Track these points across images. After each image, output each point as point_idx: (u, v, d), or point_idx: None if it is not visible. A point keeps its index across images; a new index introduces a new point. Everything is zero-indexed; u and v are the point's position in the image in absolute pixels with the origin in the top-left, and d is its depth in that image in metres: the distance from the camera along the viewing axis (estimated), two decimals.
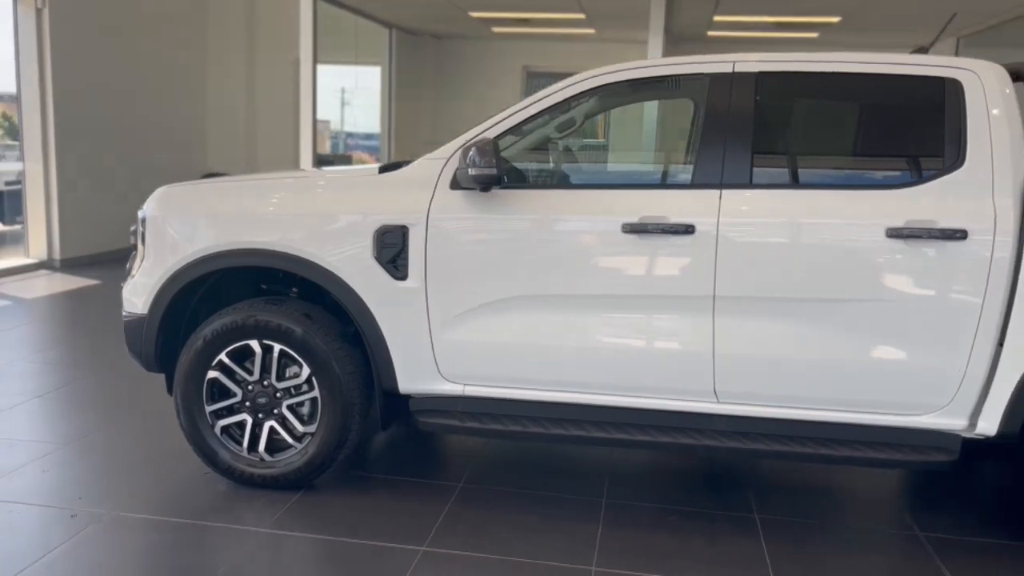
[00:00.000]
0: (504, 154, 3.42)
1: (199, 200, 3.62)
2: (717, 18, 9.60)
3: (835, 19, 9.37)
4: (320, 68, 9.21)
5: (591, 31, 11.46)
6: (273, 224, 3.47)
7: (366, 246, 3.36)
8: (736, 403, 3.27)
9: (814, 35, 10.91)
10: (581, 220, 3.28)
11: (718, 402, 3.28)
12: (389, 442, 4.22)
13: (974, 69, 3.14)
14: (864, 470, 4.01)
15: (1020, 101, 3.13)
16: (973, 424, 3.13)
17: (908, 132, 3.30)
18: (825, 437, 3.25)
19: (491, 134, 3.35)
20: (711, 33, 11.04)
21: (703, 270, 3.17)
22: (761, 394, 3.24)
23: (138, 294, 3.63)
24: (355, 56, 12.01)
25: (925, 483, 3.93)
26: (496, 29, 11.57)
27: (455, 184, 3.33)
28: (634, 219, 3.20)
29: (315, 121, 9.34)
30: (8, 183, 9.43)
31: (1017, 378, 3.03)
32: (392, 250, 3.35)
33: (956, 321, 3.05)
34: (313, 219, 3.43)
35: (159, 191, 3.71)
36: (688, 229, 3.16)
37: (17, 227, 9.22)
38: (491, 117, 3.42)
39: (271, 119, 11.48)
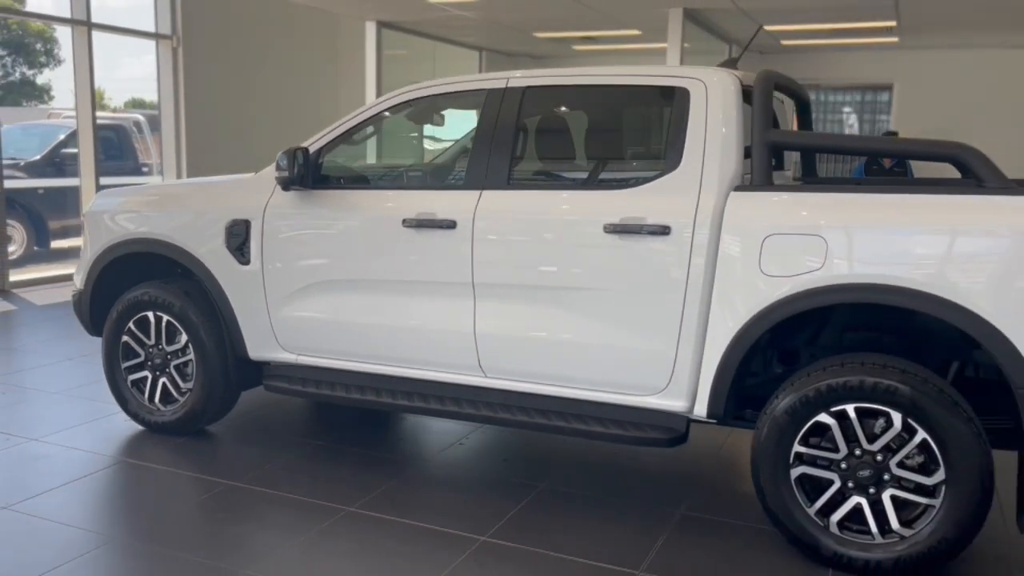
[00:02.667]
0: (335, 159, 4.07)
1: (116, 200, 4.54)
2: (769, 28, 9.53)
3: (891, 23, 9.03)
4: None
5: (658, 46, 11.65)
6: (158, 219, 4.31)
7: (220, 236, 4.12)
8: (499, 378, 3.70)
9: (894, 39, 10.48)
10: (373, 216, 3.85)
11: (486, 377, 3.72)
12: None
13: (702, 78, 3.40)
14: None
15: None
16: (693, 405, 3.38)
17: (642, 137, 3.59)
18: (573, 413, 3.60)
19: (317, 143, 4.00)
20: (785, 43, 10.90)
21: (464, 260, 3.65)
22: (516, 371, 3.65)
23: (79, 273, 4.61)
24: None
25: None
26: (577, 47, 12.04)
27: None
28: (412, 215, 3.73)
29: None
30: None
31: (717, 362, 3.26)
32: (238, 239, 4.09)
33: (665, 309, 3.32)
34: (186, 215, 4.24)
35: (97, 194, 4.67)
36: (451, 224, 3.65)
37: None
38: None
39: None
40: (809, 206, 3.13)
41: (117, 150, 11.88)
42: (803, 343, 3.46)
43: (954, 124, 11.05)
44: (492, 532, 3.38)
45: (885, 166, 10.31)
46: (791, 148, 3.63)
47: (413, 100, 3.95)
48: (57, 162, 10.85)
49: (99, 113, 9.62)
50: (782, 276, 3.12)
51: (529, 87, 3.69)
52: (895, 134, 10.59)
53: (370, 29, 9.54)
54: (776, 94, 4.20)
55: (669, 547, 3.31)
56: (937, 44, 11.01)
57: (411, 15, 9.37)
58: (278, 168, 3.84)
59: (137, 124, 12.63)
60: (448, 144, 4.67)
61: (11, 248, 10.26)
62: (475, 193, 3.65)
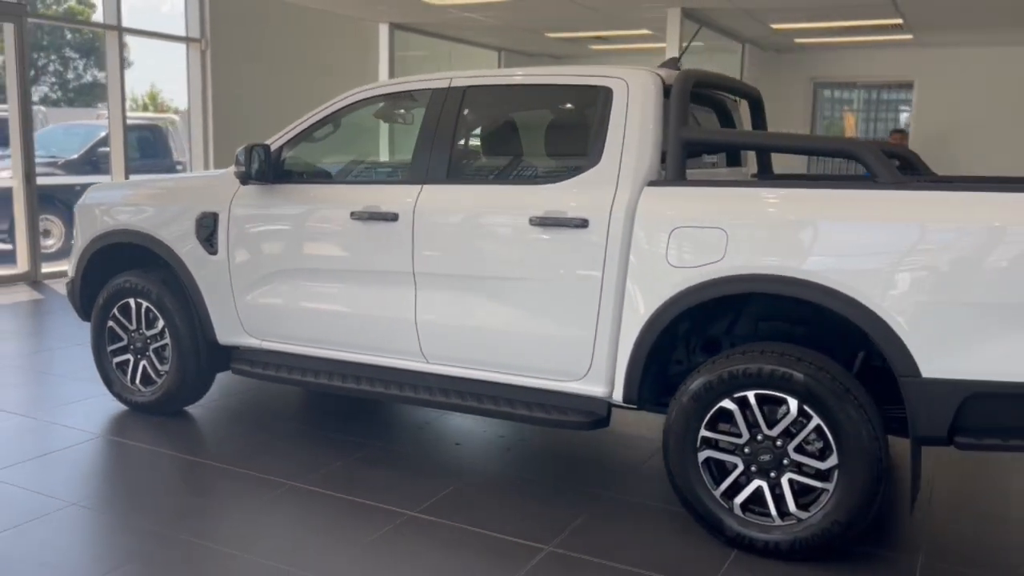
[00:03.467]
0: (298, 155, 4.31)
1: (104, 195, 4.85)
2: (775, 26, 9.52)
3: (897, 21, 8.94)
4: None
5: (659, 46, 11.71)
6: (138, 212, 4.61)
7: (191, 228, 4.40)
8: (439, 363, 3.89)
9: (908, 37, 10.35)
10: (326, 209, 4.07)
11: (427, 362, 3.92)
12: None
13: (624, 78, 3.54)
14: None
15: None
16: (612, 391, 3.52)
17: (569, 135, 3.75)
18: (504, 397, 3.77)
19: (278, 141, 4.24)
20: (799, 41, 10.85)
21: (405, 251, 3.85)
22: (454, 357, 3.84)
23: (71, 263, 4.94)
24: None
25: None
26: (593, 47, 12.16)
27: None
28: (359, 208, 3.95)
29: None
30: None
31: (629, 349, 3.40)
32: (207, 231, 4.35)
33: (584, 298, 3.48)
34: (162, 208, 4.53)
35: (89, 188, 5.00)
36: (393, 217, 3.85)
37: None
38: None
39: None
40: (712, 200, 3.26)
41: (153, 149, 12.40)
42: (724, 333, 3.58)
43: (975, 121, 10.90)
44: (422, 509, 3.57)
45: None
46: (704, 145, 3.73)
47: (367, 99, 4.16)
48: (94, 160, 11.38)
49: (136, 114, 10.10)
50: (686, 267, 3.25)
51: (469, 87, 3.87)
52: (903, 132, 10.50)
53: (383, 31, 9.83)
54: (723, 94, 4.33)
55: (586, 526, 3.46)
56: (956, 41, 10.87)
57: (419, 17, 9.60)
58: (236, 163, 4.09)
59: (172, 124, 13.14)
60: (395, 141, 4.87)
61: (49, 242, 10.82)
62: (417, 187, 3.85)
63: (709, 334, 3.58)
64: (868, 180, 3.14)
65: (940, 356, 2.90)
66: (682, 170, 3.41)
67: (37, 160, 11.20)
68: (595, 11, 8.62)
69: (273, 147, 4.21)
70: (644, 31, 10.27)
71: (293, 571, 3.04)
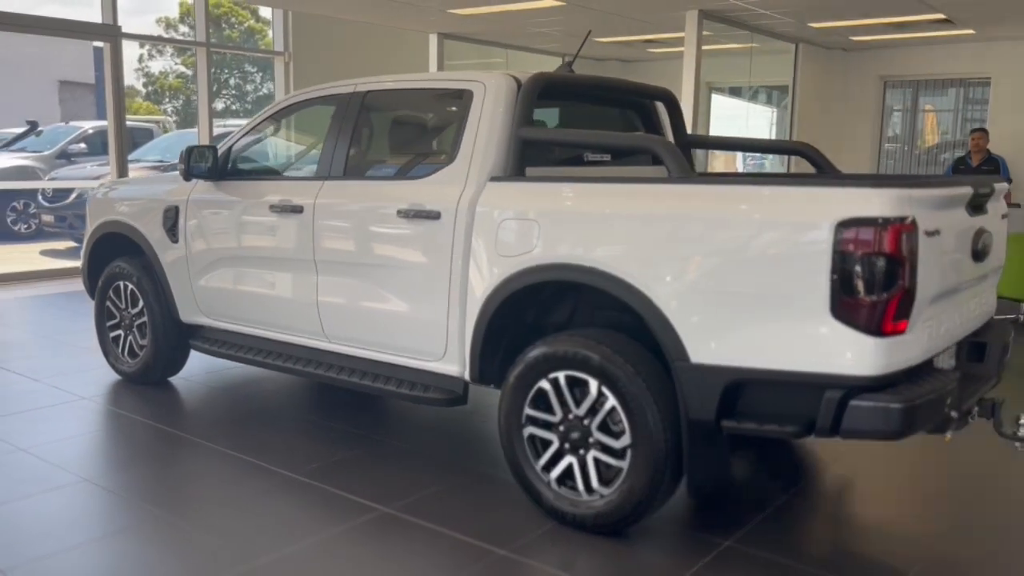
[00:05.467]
0: (244, 154, 4.83)
1: (107, 189, 5.57)
2: (814, 25, 9.23)
3: (940, 16, 8.48)
4: None
5: (720, 47, 11.51)
6: (125, 205, 5.28)
7: (159, 220, 5.01)
8: (336, 343, 4.30)
9: (969, 32, 9.74)
10: (254, 202, 4.57)
11: (329, 342, 4.33)
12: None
13: (483, 80, 3.83)
14: None
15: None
16: (465, 371, 3.81)
17: (438, 134, 4.06)
18: (383, 375, 4.12)
19: (226, 143, 4.78)
20: (855, 39, 10.43)
21: (307, 240, 4.28)
22: (345, 336, 4.23)
23: (82, 250, 5.69)
24: None
25: None
26: (651, 50, 12.15)
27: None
28: (275, 201, 4.42)
29: None
30: None
31: (470, 332, 3.68)
32: (171, 222, 4.96)
33: (437, 284, 3.78)
34: (140, 203, 5.18)
35: (99, 184, 5.73)
36: (299, 209, 4.30)
37: None
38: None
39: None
40: (530, 195, 3.50)
41: None
42: (567, 320, 3.78)
43: None
44: (307, 473, 3.97)
45: (972, 164, 9.75)
46: (541, 143, 3.87)
47: (294, 104, 4.64)
48: None
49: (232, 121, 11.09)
50: (509, 256, 3.50)
51: (368, 91, 4.26)
52: (983, 131, 9.95)
53: (432, 41, 10.35)
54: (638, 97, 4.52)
55: (436, 494, 3.76)
56: None
57: (460, 28, 10.01)
58: (179, 161, 4.66)
59: None
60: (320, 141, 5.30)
61: None
62: (320, 183, 4.28)
63: (552, 321, 3.79)
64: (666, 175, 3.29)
65: (706, 342, 3.02)
66: (520, 166, 3.66)
67: (147, 164, 12.45)
68: (616, 16, 8.75)
69: (222, 148, 4.75)
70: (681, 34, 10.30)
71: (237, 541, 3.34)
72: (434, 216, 3.77)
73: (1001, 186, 3.61)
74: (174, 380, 5.44)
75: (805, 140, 11.59)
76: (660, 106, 4.71)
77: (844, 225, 2.75)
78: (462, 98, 3.88)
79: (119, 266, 5.30)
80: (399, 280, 3.94)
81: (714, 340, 3.01)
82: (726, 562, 3.21)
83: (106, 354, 5.52)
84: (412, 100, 4.29)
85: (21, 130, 15.25)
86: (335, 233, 4.17)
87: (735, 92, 13.27)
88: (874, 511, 3.82)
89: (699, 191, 3.12)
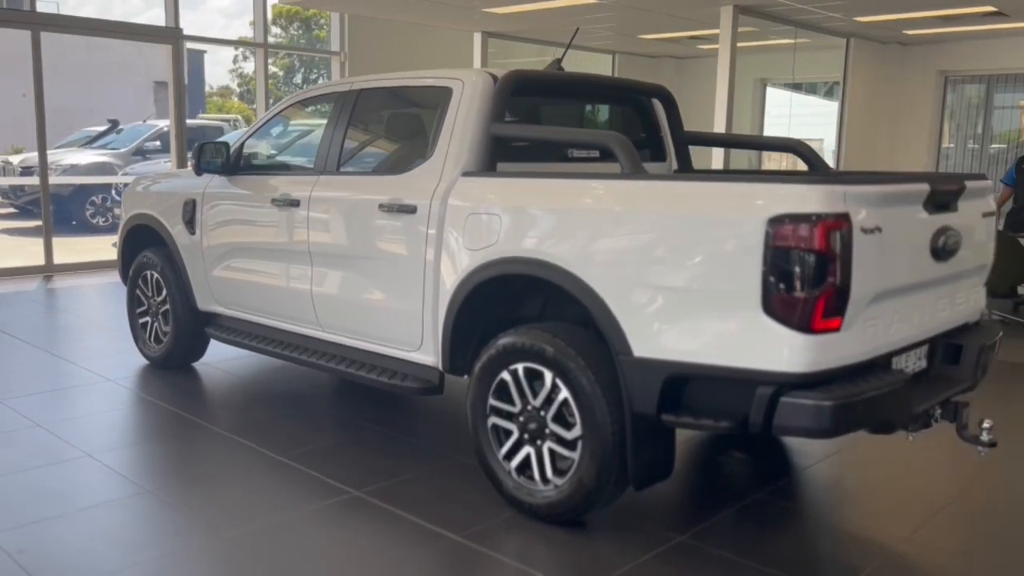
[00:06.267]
0: (255, 150, 5.05)
1: (140, 184, 5.87)
2: (860, 19, 8.93)
3: (990, 8, 8.09)
4: None
5: (766, 43, 11.24)
6: (151, 198, 5.57)
7: (179, 212, 5.27)
8: (329, 332, 4.45)
9: None
10: (258, 196, 4.76)
11: (323, 331, 4.50)
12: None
13: (462, 78, 3.92)
14: None
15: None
16: (439, 361, 3.91)
17: (420, 130, 4.15)
18: (369, 363, 4.26)
19: (238, 140, 5.00)
20: (909, 32, 10.04)
21: (303, 231, 4.45)
22: (336, 325, 4.38)
23: (117, 239, 6.02)
24: None
25: None
26: (701, 47, 11.97)
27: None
28: (276, 195, 4.61)
29: None
30: None
31: (442, 323, 3.77)
32: (189, 214, 5.21)
33: (413, 276, 3.89)
34: (164, 196, 5.46)
35: (134, 178, 6.05)
36: (296, 203, 4.47)
37: None
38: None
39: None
40: (494, 190, 3.57)
41: None
42: (539, 314, 3.84)
43: None
44: (294, 456, 4.14)
45: None
46: (511, 139, 3.92)
47: (300, 101, 4.82)
48: None
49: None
50: (475, 249, 3.58)
51: (362, 90, 4.40)
52: None
53: (476, 39, 10.46)
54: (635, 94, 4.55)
55: (408, 480, 3.87)
56: None
57: (502, 27, 10.06)
58: (191, 157, 4.90)
59: None
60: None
61: None
62: (316, 178, 4.45)
63: (525, 315, 3.86)
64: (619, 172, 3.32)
65: (648, 337, 3.04)
66: (491, 162, 3.74)
67: None
68: (653, 13, 8.68)
69: (235, 144, 4.97)
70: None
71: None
72: (411, 210, 3.88)
73: (981, 184, 3.51)
74: (196, 365, 5.71)
75: (858, 136, 11.37)
76: (657, 103, 4.71)
77: (775, 221, 2.74)
78: (443, 95, 3.98)
79: (147, 256, 5.59)
80: (381, 271, 4.06)
81: (655, 335, 3.03)
82: (675, 556, 3.23)
83: (135, 339, 5.83)
84: (400, 97, 4.42)
85: (103, 128, 16.06)
86: (325, 226, 4.33)
87: (795, 87, 12.99)
88: (845, 512, 3.77)
89: (642, 188, 3.14)
